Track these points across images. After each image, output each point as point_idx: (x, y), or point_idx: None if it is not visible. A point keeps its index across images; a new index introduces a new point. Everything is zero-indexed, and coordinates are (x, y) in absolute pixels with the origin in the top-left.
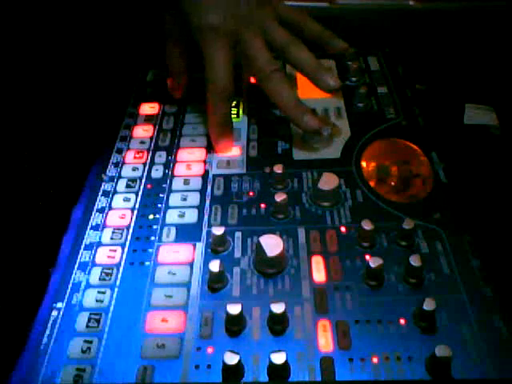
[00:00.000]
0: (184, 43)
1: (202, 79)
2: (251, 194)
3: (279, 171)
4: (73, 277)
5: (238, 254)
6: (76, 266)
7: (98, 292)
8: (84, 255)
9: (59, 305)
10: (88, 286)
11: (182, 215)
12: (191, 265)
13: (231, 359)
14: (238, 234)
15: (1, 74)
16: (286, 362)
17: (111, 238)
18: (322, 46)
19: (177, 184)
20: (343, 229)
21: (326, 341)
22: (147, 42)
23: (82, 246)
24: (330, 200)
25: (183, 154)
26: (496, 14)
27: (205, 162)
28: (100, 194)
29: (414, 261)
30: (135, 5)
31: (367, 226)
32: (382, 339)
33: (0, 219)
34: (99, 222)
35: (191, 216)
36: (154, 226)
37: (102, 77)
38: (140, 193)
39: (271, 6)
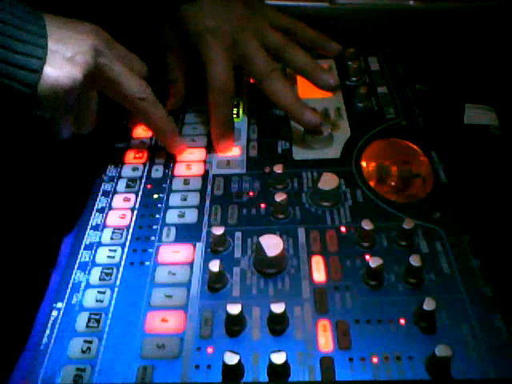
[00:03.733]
0: (182, 53)
1: (201, 80)
2: (251, 193)
3: (279, 171)
4: (73, 277)
5: (238, 253)
6: (76, 266)
7: (98, 292)
8: (84, 255)
9: (59, 305)
10: (88, 286)
11: (182, 215)
12: (191, 265)
13: (231, 359)
14: (238, 234)
15: None
16: (286, 361)
17: (111, 238)
18: (316, 49)
19: (177, 184)
20: (343, 229)
21: (325, 341)
22: (147, 50)
23: (82, 246)
24: (330, 200)
25: (183, 154)
26: (496, 14)
27: (205, 161)
28: (100, 194)
29: (414, 261)
30: (136, 17)
31: (367, 225)
32: (382, 339)
33: (0, 219)
34: (99, 222)
35: (191, 216)
36: (154, 226)
37: None
38: (140, 193)
39: (263, 14)
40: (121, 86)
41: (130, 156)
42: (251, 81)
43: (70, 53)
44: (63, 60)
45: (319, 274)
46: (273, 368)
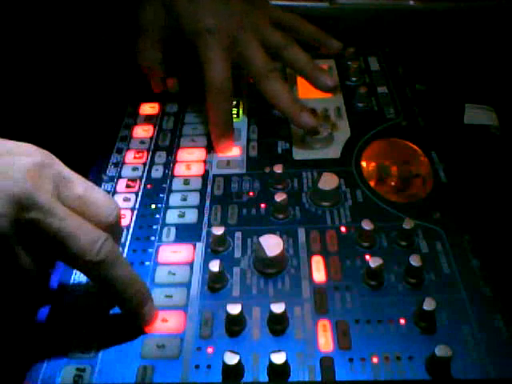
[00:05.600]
0: (159, 36)
1: (201, 80)
2: (251, 194)
3: (279, 171)
4: (73, 277)
5: (238, 253)
6: None
7: None
8: None
9: None
10: None
11: (181, 215)
12: (191, 265)
13: (231, 359)
14: (238, 234)
15: (3, 70)
16: (286, 361)
17: None
18: (317, 46)
19: (177, 184)
20: (343, 229)
21: (326, 341)
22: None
23: None
24: (329, 200)
25: (183, 154)
26: (496, 14)
27: (205, 161)
28: None
29: (414, 261)
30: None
31: (367, 225)
32: (382, 339)
33: None
34: None
35: (191, 216)
36: (154, 226)
37: (102, 76)
38: (140, 193)
39: (264, 10)
40: (65, 245)
41: (130, 156)
42: (251, 80)
43: None
44: None
45: (319, 273)
46: (273, 368)
